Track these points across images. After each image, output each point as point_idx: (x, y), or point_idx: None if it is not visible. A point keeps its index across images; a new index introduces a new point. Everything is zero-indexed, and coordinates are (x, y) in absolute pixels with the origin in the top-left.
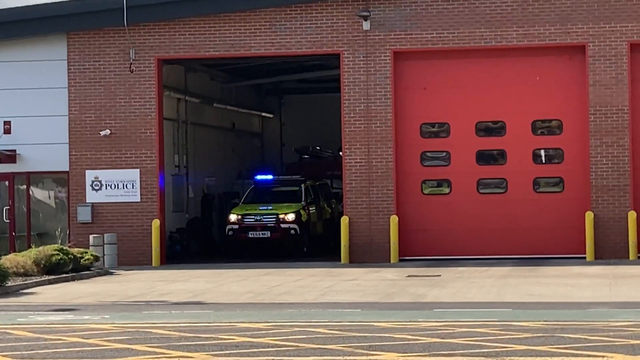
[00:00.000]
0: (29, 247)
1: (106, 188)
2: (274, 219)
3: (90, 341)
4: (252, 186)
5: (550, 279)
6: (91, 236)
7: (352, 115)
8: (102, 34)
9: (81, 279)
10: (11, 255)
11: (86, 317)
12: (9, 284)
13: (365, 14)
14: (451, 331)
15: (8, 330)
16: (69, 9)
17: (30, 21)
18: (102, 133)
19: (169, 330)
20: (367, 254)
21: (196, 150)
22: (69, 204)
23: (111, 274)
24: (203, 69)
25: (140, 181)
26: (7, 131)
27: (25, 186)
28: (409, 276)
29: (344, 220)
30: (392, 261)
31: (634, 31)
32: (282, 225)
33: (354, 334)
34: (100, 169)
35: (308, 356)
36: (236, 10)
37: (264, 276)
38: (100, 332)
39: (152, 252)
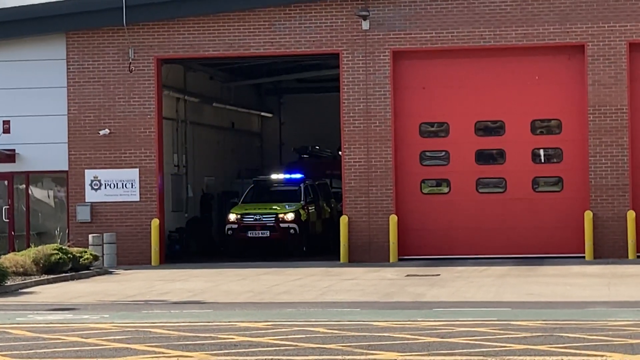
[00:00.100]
0: (28, 246)
1: (105, 187)
2: (273, 219)
3: (89, 340)
4: (252, 186)
5: (549, 278)
6: (90, 235)
7: (351, 114)
8: (101, 34)
9: (80, 278)
10: (10, 255)
11: (85, 316)
12: (8, 283)
13: (364, 13)
14: (450, 330)
15: (7, 330)
16: (68, 9)
17: (29, 21)
18: (102, 132)
19: (168, 330)
20: (367, 254)
21: (195, 149)
22: (68, 204)
23: (110, 273)
24: (202, 69)
25: (140, 181)
26: (7, 131)
27: (24, 185)
28: (408, 275)
29: (343, 220)
30: (391, 260)
31: (633, 31)
32: (282, 225)
33: (353, 333)
34: (100, 168)
35: (307, 355)
36: (235, 10)
37: (263, 275)
38: (99, 331)
39: (151, 252)
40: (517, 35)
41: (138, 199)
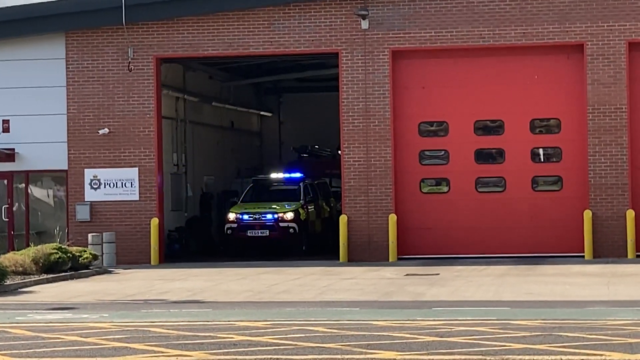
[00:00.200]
0: (28, 245)
1: (105, 187)
2: (272, 218)
3: (88, 340)
4: (251, 185)
5: (548, 277)
6: (90, 235)
7: (350, 114)
8: (100, 33)
9: (80, 277)
10: (10, 254)
11: (85, 315)
12: (8, 282)
13: (363, 12)
14: (449, 330)
15: (6, 329)
16: (68, 8)
17: (28, 20)
18: (101, 132)
19: (168, 329)
20: (366, 253)
21: (195, 149)
22: (67, 203)
23: (110, 272)
24: (202, 68)
25: (139, 180)
26: (6, 130)
27: (24, 185)
28: (407, 275)
29: (343, 219)
30: (390, 260)
31: (632, 30)
32: (281, 224)
33: (352, 332)
34: (99, 167)
35: (306, 355)
36: (234, 9)
37: (263, 275)
38: (98, 330)
39: (150, 251)
40: (516, 34)
41: (137, 198)
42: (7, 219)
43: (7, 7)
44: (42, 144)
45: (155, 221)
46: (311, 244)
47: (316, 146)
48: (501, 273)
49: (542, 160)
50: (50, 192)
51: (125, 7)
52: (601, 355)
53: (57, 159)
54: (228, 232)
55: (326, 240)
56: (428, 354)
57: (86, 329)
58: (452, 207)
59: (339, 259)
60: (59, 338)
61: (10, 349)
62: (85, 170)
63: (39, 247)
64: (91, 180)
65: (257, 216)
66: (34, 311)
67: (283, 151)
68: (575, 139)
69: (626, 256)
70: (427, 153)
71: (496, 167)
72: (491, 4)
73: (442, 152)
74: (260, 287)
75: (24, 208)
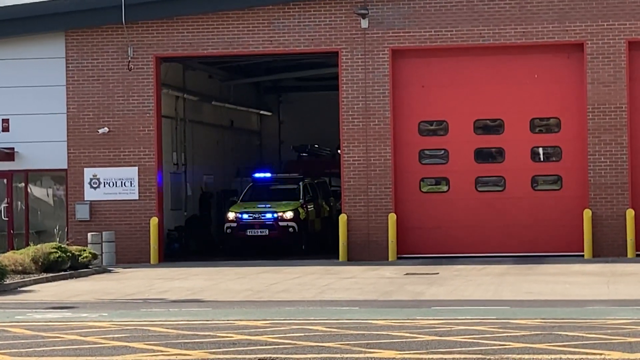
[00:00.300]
0: (27, 244)
1: (104, 186)
2: (272, 217)
3: (88, 339)
4: (251, 184)
5: (548, 276)
6: (89, 234)
7: (350, 113)
8: (100, 32)
9: (79, 276)
10: (9, 253)
11: (84, 314)
12: (7, 281)
13: (363, 11)
14: (449, 329)
15: (6, 328)
16: (68, 7)
17: (28, 19)
18: (101, 131)
19: (167, 328)
20: (365, 252)
21: (194, 148)
22: (67, 202)
23: (109, 271)
24: (201, 67)
25: (139, 179)
26: (6, 129)
27: (23, 184)
28: (407, 274)
29: (342, 218)
30: (390, 259)
31: (632, 29)
32: (281, 223)
33: (351, 331)
34: (99, 166)
35: (306, 354)
36: (234, 8)
37: (262, 274)
38: (98, 329)
39: (150, 250)
40: (516, 33)
41: (137, 198)
42: (6, 218)
43: (7, 6)
44: (42, 143)
45: (154, 220)
46: (311, 243)
47: (316, 145)
48: (501, 272)
49: (541, 159)
50: (50, 191)
51: (125, 6)
52: (600, 354)
53: (56, 158)
54: (227, 231)
55: (326, 240)
56: (427, 353)
57: (86, 328)
58: (451, 207)
59: (338, 258)
60: (58, 337)
61: (9, 348)
62: (85, 169)
63: (39, 246)
64: (91, 180)
65: (256, 215)
66: (34, 310)
67: (283, 150)
68: (575, 138)
69: (626, 255)
70: (426, 152)
71: (496, 166)
72: (491, 3)
73: (442, 152)
74: (259, 286)
75: (23, 207)
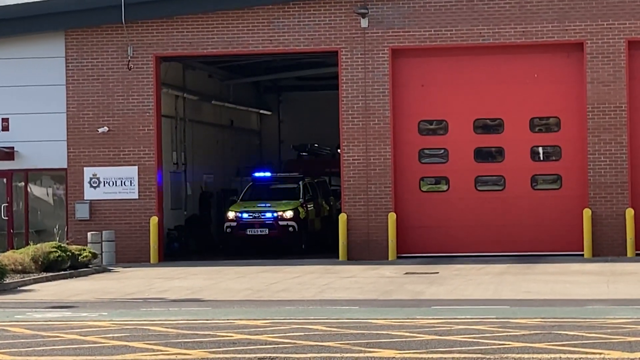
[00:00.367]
0: (27, 244)
1: (104, 185)
2: (272, 217)
3: (87, 338)
4: (250, 183)
5: (547, 276)
6: (89, 233)
7: (350, 112)
8: (100, 31)
9: (79, 276)
10: (9, 253)
11: (84, 314)
12: (7, 281)
13: (363, 11)
14: (449, 328)
15: (6, 328)
16: (67, 7)
17: (28, 18)
18: (100, 130)
19: (167, 328)
20: (365, 251)
21: (194, 147)
22: (67, 201)
23: (109, 271)
24: (201, 66)
25: (139, 178)
26: (5, 128)
27: (23, 183)
28: (406, 273)
29: (342, 218)
30: (390, 258)
31: (631, 28)
32: (280, 223)
33: (351, 331)
34: (98, 166)
35: (306, 353)
36: (234, 8)
37: (262, 273)
38: (98, 329)
39: (150, 250)
40: (515, 33)
41: (137, 197)
42: (6, 218)
43: (7, 5)
44: (42, 142)
45: (154, 220)
46: (310, 242)
47: (316, 144)
48: (500, 271)
49: (541, 158)
50: (50, 190)
51: (125, 6)
52: (600, 353)
53: (56, 157)
54: (227, 230)
55: (325, 239)
56: (427, 353)
57: (85, 328)
58: (451, 206)
59: (338, 257)
60: (58, 337)
61: (9, 347)
62: (85, 168)
63: (39, 245)
64: (90, 179)
65: (256, 215)
66: (33, 310)
67: (282, 150)
68: (574, 138)
69: (625, 255)
70: (426, 151)
71: (496, 165)
72: (491, 3)
73: (442, 151)
74: (259, 285)
75: (23, 206)
